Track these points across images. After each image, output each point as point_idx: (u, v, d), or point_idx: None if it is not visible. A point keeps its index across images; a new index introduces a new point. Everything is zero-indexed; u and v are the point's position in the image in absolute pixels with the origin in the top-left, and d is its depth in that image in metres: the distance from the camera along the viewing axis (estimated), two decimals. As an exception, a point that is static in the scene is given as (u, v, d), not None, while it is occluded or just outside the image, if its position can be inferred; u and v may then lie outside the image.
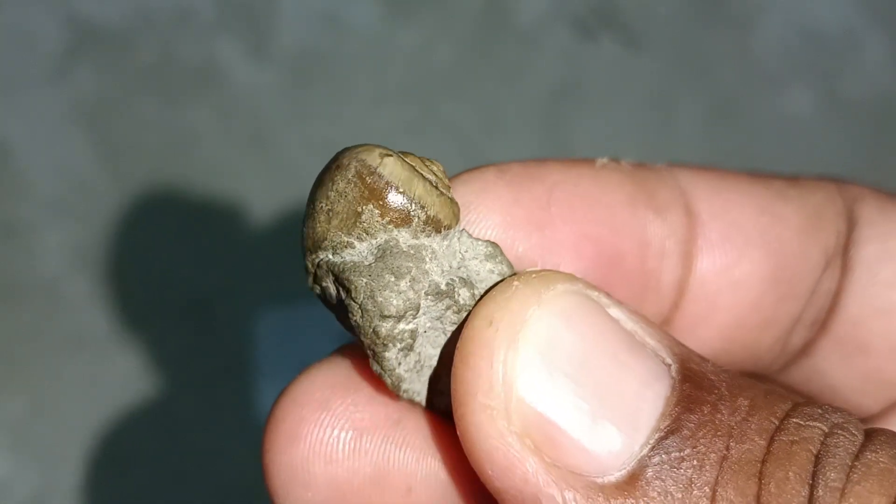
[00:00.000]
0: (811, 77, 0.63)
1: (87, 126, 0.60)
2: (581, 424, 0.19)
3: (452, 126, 0.61)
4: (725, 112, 0.62)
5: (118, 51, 0.61)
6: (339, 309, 0.22)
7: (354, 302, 0.21)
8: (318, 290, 0.22)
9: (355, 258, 0.21)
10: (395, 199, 0.21)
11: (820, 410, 0.20)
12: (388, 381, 0.22)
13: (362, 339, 0.22)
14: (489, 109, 0.62)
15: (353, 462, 0.23)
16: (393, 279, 0.21)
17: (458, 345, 0.20)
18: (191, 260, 0.58)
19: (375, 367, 0.22)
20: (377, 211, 0.21)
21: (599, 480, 0.19)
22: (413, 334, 0.21)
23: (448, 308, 0.22)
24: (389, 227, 0.21)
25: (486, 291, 0.22)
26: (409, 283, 0.21)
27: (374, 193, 0.21)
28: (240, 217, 0.59)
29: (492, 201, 0.23)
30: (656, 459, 0.19)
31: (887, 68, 0.63)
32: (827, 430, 0.19)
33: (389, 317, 0.21)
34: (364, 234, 0.21)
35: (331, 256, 0.21)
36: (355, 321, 0.21)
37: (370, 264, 0.21)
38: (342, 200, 0.21)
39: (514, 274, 0.22)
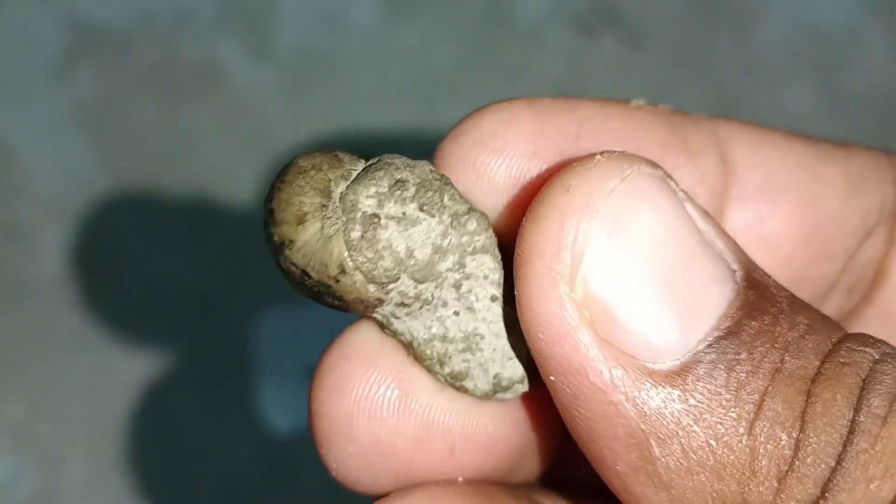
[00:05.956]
0: (812, 74, 0.63)
1: (87, 127, 0.60)
2: (643, 308, 0.19)
3: (454, 125, 0.61)
4: (727, 109, 0.62)
5: (119, 52, 0.61)
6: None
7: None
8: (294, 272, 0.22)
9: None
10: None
11: (872, 339, 0.20)
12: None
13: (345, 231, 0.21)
14: (490, 108, 0.62)
15: (397, 421, 0.23)
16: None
17: (529, 206, 0.20)
18: (192, 260, 0.57)
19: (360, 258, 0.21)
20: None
21: (650, 365, 0.19)
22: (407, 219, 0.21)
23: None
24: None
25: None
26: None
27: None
28: (240, 217, 0.59)
29: (518, 130, 0.23)
30: (711, 357, 0.19)
31: (888, 65, 0.63)
32: (877, 357, 0.19)
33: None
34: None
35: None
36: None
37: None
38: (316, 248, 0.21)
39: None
